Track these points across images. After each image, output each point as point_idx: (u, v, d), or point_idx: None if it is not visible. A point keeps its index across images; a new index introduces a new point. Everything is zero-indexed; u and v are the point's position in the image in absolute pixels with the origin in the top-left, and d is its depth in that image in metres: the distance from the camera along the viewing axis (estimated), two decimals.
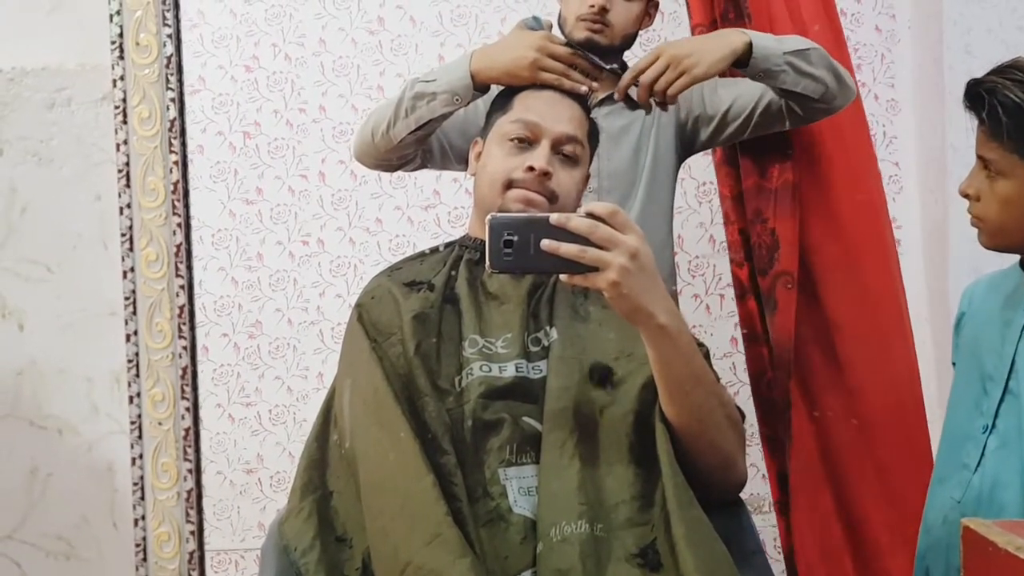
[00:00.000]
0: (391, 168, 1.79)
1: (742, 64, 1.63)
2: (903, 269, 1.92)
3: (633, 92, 1.70)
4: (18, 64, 2.37)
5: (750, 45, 1.61)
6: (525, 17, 1.71)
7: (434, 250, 1.46)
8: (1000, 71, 1.33)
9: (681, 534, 1.14)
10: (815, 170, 1.90)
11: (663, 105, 1.65)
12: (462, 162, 1.78)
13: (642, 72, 1.61)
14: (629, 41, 1.78)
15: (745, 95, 1.76)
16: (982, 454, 1.38)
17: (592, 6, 1.70)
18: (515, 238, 1.09)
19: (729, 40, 1.63)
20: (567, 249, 1.08)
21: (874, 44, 2.54)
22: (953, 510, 1.40)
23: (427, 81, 1.64)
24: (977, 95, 1.33)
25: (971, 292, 1.54)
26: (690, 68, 1.59)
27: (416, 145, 1.71)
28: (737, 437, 1.26)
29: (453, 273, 1.39)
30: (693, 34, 1.86)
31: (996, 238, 1.37)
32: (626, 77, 1.66)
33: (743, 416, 1.29)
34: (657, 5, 1.81)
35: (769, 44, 1.64)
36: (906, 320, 1.96)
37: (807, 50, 1.66)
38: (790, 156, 1.86)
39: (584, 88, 1.51)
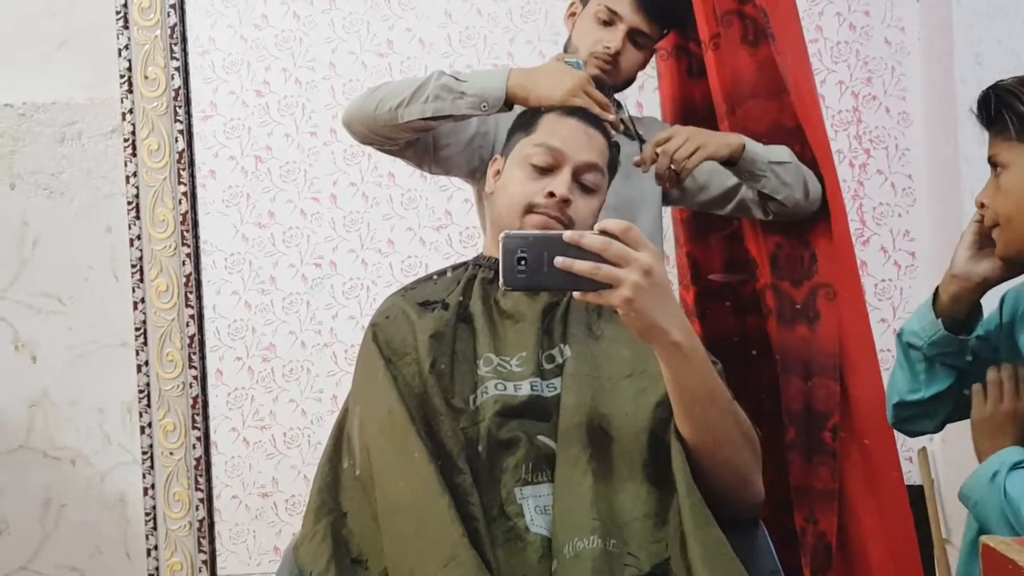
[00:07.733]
0: (373, 144, 1.77)
1: (733, 162, 1.75)
2: (915, 282, 1.90)
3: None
4: (29, 99, 2.39)
5: (743, 147, 1.74)
6: (570, 60, 1.73)
7: (447, 270, 1.46)
8: (1014, 79, 1.34)
9: (697, 554, 1.13)
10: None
11: (678, 178, 1.73)
12: (439, 164, 1.80)
13: (663, 143, 1.69)
14: (628, 83, 1.87)
15: (719, 181, 1.88)
16: None
17: (607, 48, 1.76)
18: (528, 255, 1.09)
19: (728, 137, 1.76)
20: (580, 266, 1.07)
21: (884, 57, 2.55)
22: (1003, 465, 1.35)
23: (458, 79, 1.65)
24: (986, 97, 1.34)
25: (1018, 294, 1.49)
26: (702, 145, 1.70)
27: (415, 133, 1.71)
28: (753, 455, 1.24)
29: (467, 292, 1.39)
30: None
31: (1009, 242, 1.34)
32: (648, 147, 1.71)
33: (759, 434, 1.28)
34: (654, 52, 1.93)
35: (758, 150, 1.76)
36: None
37: (788, 163, 1.79)
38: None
39: (612, 117, 1.55)
